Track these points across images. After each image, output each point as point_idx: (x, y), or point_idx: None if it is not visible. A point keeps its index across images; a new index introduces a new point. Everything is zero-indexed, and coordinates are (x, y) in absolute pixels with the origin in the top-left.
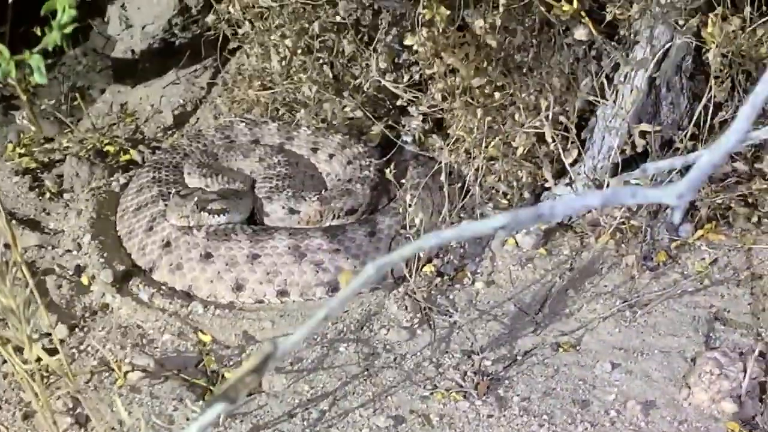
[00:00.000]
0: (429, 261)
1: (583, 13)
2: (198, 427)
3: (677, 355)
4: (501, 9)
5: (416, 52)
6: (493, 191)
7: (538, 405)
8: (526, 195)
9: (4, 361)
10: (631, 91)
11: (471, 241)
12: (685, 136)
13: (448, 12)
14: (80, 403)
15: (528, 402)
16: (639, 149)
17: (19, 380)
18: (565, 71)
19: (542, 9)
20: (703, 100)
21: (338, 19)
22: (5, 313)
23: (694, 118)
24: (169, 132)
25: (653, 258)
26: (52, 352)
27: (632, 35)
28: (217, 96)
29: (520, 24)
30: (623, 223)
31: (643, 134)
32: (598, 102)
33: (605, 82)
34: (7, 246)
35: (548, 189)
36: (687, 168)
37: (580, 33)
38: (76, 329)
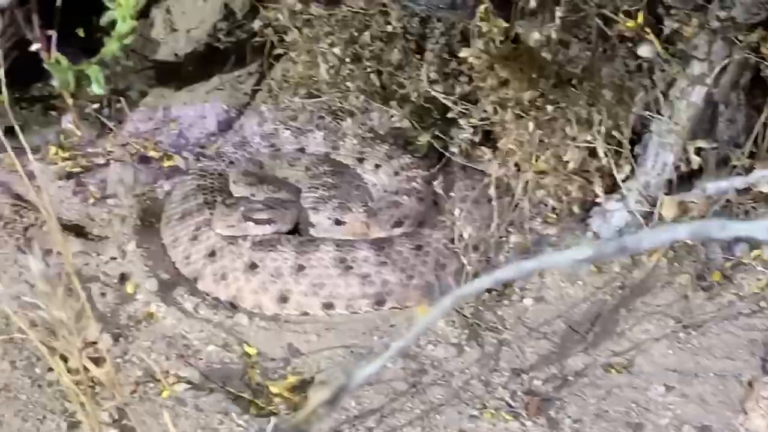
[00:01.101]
0: (476, 276)
1: (647, 29)
2: None
3: (733, 378)
4: (557, 21)
5: (471, 66)
6: (542, 205)
7: (590, 427)
8: (576, 210)
9: (49, 370)
10: (688, 106)
11: (519, 257)
12: (743, 153)
13: (506, 24)
14: (126, 415)
15: (580, 424)
16: (694, 166)
17: (65, 390)
18: (618, 84)
19: (599, 22)
20: (762, 117)
21: (389, 28)
22: (56, 325)
23: (753, 135)
24: (213, 138)
25: (707, 277)
26: (96, 361)
27: (690, 50)
28: (261, 102)
29: (575, 37)
30: (677, 241)
31: (698, 151)
32: (653, 117)
33: (660, 96)
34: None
35: (598, 204)
36: (747, 188)
37: (643, 50)
38: (121, 339)
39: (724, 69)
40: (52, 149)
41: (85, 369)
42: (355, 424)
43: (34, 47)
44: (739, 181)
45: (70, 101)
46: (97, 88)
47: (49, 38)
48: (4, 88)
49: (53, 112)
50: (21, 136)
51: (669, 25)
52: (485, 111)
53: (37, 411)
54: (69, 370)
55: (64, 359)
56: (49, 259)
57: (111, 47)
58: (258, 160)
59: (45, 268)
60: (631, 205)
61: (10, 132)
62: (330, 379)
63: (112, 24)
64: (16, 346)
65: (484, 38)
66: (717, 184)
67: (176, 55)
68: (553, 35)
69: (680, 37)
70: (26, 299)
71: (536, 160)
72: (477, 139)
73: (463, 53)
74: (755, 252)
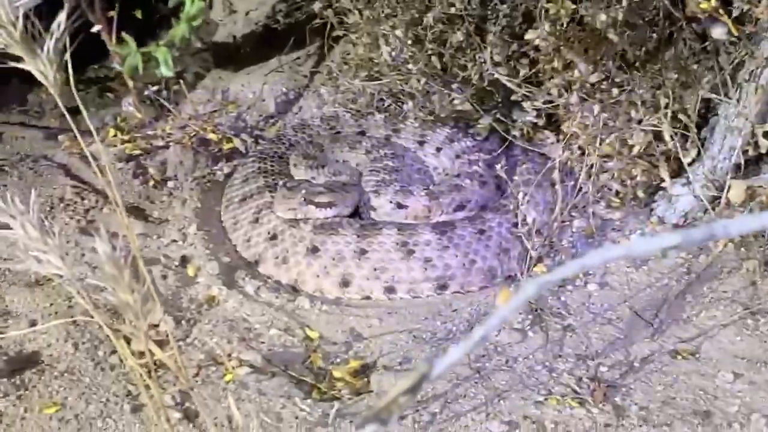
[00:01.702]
0: (540, 261)
1: (721, 11)
2: None
3: None
4: (624, 2)
5: (536, 47)
6: (606, 189)
7: (658, 415)
8: (640, 194)
9: (113, 352)
10: (756, 89)
11: (583, 241)
12: None
13: (573, 6)
14: (188, 398)
15: (647, 411)
16: (762, 150)
17: (129, 372)
18: (684, 67)
19: (666, 3)
20: None
21: (452, 10)
22: (122, 308)
23: None
24: (272, 120)
25: None
26: (159, 344)
27: (761, 31)
28: (320, 85)
29: (642, 18)
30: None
31: (767, 135)
32: (721, 100)
33: (728, 79)
34: (123, 236)
35: (663, 189)
36: None
37: (717, 31)
38: (182, 322)
39: None
40: (111, 131)
41: (150, 352)
42: (419, 409)
43: (95, 29)
44: None
45: (131, 84)
46: (165, 71)
47: (110, 20)
48: (70, 70)
49: (110, 95)
50: (87, 118)
51: (739, 6)
52: (549, 93)
53: (100, 394)
54: (132, 353)
55: (127, 342)
56: (114, 241)
57: (180, 29)
58: (318, 143)
59: (111, 251)
60: (697, 189)
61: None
62: (393, 365)
63: (176, 8)
64: (79, 328)
65: (550, 20)
66: None
67: (234, 37)
68: (620, 17)
69: (750, 18)
70: (90, 281)
71: (600, 144)
72: (540, 122)
73: (529, 35)
74: None
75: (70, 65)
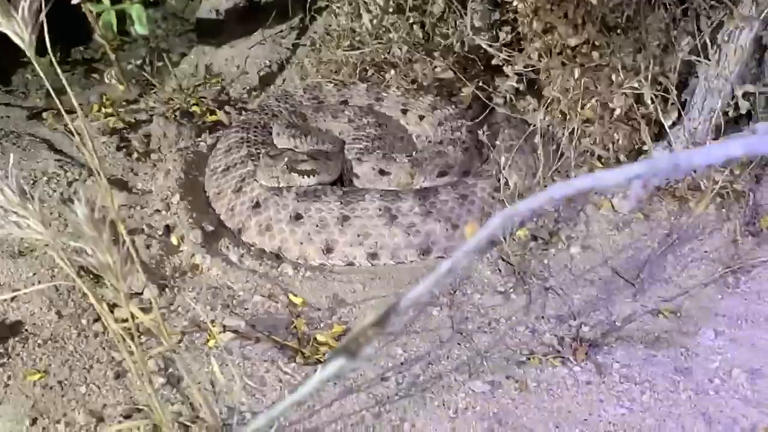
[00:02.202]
0: (522, 224)
1: None
2: (319, 380)
3: None
4: None
5: (515, 9)
6: (588, 154)
7: (639, 372)
8: (622, 158)
9: (96, 320)
10: (735, 50)
11: (565, 205)
12: None
13: None
14: (172, 363)
15: (628, 369)
16: (742, 111)
17: (112, 339)
18: (664, 30)
19: None
20: None
21: None
22: (102, 270)
23: None
24: (255, 93)
25: (756, 223)
26: (143, 311)
27: None
28: (304, 56)
29: None
30: (725, 187)
31: (746, 95)
32: (700, 62)
33: (708, 41)
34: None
35: (645, 152)
36: None
37: None
38: (166, 289)
39: None
40: (95, 107)
41: (133, 317)
42: (402, 371)
43: (75, 0)
44: None
45: (112, 56)
46: (140, 28)
47: None
48: (49, 48)
49: (95, 75)
50: (70, 93)
51: None
52: (530, 57)
53: (83, 361)
54: (116, 320)
55: (111, 309)
56: (94, 208)
57: None
58: (301, 113)
59: (90, 212)
60: (679, 151)
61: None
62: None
63: None
64: (62, 297)
65: None
66: (767, 125)
67: (217, 11)
68: None
69: None
70: (72, 243)
71: (582, 108)
72: (521, 87)
73: None
74: None
75: (49, 46)
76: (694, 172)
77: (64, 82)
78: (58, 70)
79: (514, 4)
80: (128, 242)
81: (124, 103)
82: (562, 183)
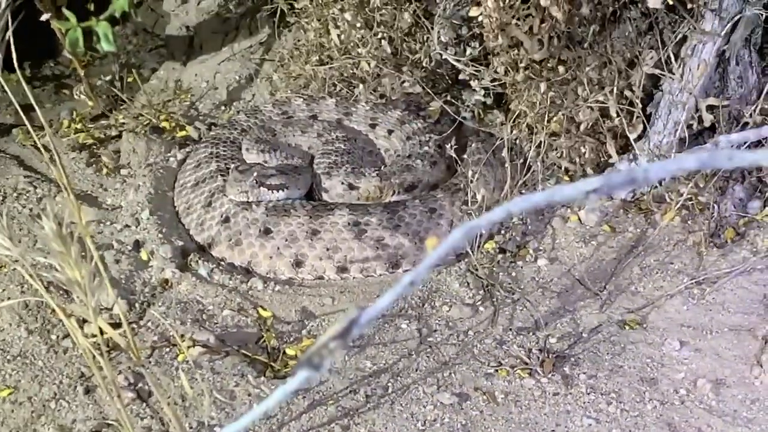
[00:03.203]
0: (491, 237)
1: None
2: (282, 394)
3: (747, 333)
4: None
5: (480, 24)
6: (555, 167)
7: (605, 383)
8: (589, 171)
9: (65, 336)
10: (699, 64)
11: (533, 218)
12: (755, 110)
13: None
14: (141, 378)
15: (595, 380)
16: (706, 124)
17: (82, 354)
18: (629, 45)
19: None
20: None
21: None
22: (70, 285)
23: (764, 92)
24: (224, 108)
25: (721, 235)
26: (112, 327)
27: (701, 6)
28: (273, 71)
29: None
30: (690, 199)
31: (710, 109)
32: (664, 76)
33: (672, 55)
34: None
35: (612, 165)
36: (758, 142)
37: (653, 1)
38: (136, 304)
39: (735, 26)
40: (65, 122)
41: (101, 332)
42: (370, 383)
43: (44, 17)
44: (753, 134)
45: (81, 72)
46: (107, 45)
47: (59, 8)
48: (16, 65)
49: (65, 91)
50: (38, 111)
51: None
52: (496, 72)
53: (53, 376)
54: (85, 335)
55: (80, 325)
56: (62, 223)
57: (120, 3)
58: (270, 128)
59: (58, 228)
60: (644, 164)
61: (24, 110)
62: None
63: None
64: (31, 313)
65: None
66: (729, 136)
67: (187, 27)
68: None
69: None
70: (41, 259)
71: (548, 122)
72: (489, 101)
73: (473, 12)
74: (767, 209)
75: (16, 64)
76: (660, 184)
77: (32, 99)
78: (26, 88)
79: (480, 19)
80: (97, 257)
81: (94, 119)
82: (519, 198)
